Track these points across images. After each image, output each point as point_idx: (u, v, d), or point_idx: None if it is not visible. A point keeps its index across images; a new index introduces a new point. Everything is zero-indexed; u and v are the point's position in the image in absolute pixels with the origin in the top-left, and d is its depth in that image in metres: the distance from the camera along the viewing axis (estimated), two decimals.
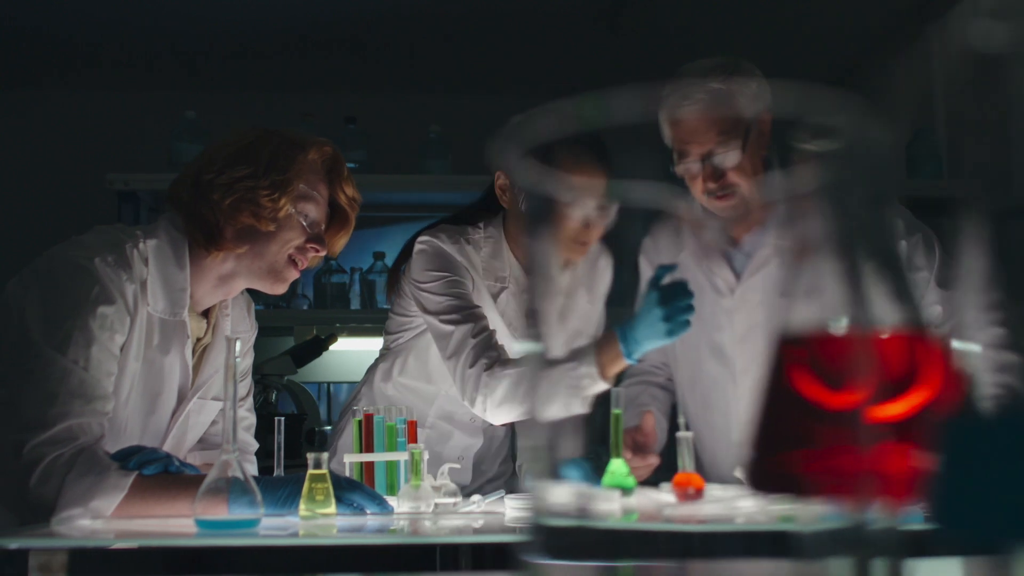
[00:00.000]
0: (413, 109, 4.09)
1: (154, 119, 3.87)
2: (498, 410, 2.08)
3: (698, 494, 1.70)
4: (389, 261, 3.87)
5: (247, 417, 2.12)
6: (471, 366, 2.09)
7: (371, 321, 3.62)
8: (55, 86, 4.10)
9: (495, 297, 2.26)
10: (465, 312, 2.15)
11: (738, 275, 2.25)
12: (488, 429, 2.43)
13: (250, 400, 2.16)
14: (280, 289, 1.95)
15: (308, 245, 1.90)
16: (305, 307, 3.73)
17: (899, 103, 5.33)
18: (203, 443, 2.04)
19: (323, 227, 1.95)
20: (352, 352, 3.67)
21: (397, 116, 4.04)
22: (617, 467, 1.81)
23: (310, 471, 1.60)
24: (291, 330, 3.55)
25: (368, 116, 3.82)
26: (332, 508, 1.59)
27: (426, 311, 2.21)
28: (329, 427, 3.40)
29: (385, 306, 3.75)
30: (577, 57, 4.28)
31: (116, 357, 1.74)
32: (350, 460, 1.93)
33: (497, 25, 3.88)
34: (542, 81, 4.45)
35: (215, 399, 2.00)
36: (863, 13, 4.69)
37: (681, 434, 1.73)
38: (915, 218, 2.25)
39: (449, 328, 2.15)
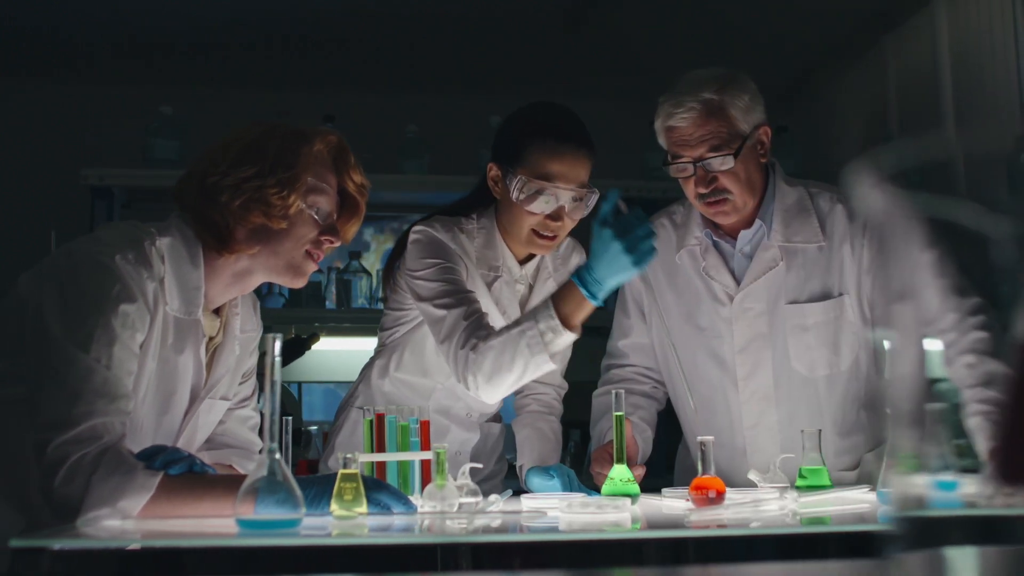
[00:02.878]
0: (391, 109, 4.08)
1: (129, 114, 3.82)
2: (489, 385, 2.08)
3: (719, 498, 1.73)
4: (365, 261, 3.87)
5: (252, 416, 2.11)
6: (462, 347, 2.10)
7: (348, 321, 3.61)
8: (29, 79, 4.02)
9: (489, 285, 2.28)
10: (458, 296, 2.17)
11: (737, 279, 2.29)
12: (484, 425, 2.45)
13: (255, 399, 2.15)
14: (300, 283, 1.94)
15: (322, 237, 1.88)
16: (280, 306, 3.70)
17: (854, 112, 5.45)
18: (210, 443, 2.02)
19: (335, 217, 1.93)
20: (328, 352, 3.65)
21: (374, 116, 4.03)
22: (619, 473, 1.83)
23: (340, 471, 1.60)
24: (269, 329, 3.51)
25: (345, 115, 3.81)
26: (364, 507, 1.59)
27: (420, 298, 2.22)
28: (315, 427, 3.38)
29: (359, 305, 3.75)
30: (555, 60, 4.30)
31: (136, 356, 1.72)
32: (364, 460, 1.93)
33: (478, 27, 3.89)
34: (519, 83, 4.47)
35: (223, 399, 1.99)
36: (820, 22, 4.78)
37: (702, 438, 1.77)
38: None
39: (442, 312, 2.16)
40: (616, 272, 1.97)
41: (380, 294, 3.84)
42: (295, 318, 3.59)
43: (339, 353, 3.66)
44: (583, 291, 1.99)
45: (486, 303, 2.25)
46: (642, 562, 1.45)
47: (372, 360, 2.50)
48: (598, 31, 4.26)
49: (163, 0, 3.48)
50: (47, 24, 3.63)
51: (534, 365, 2.02)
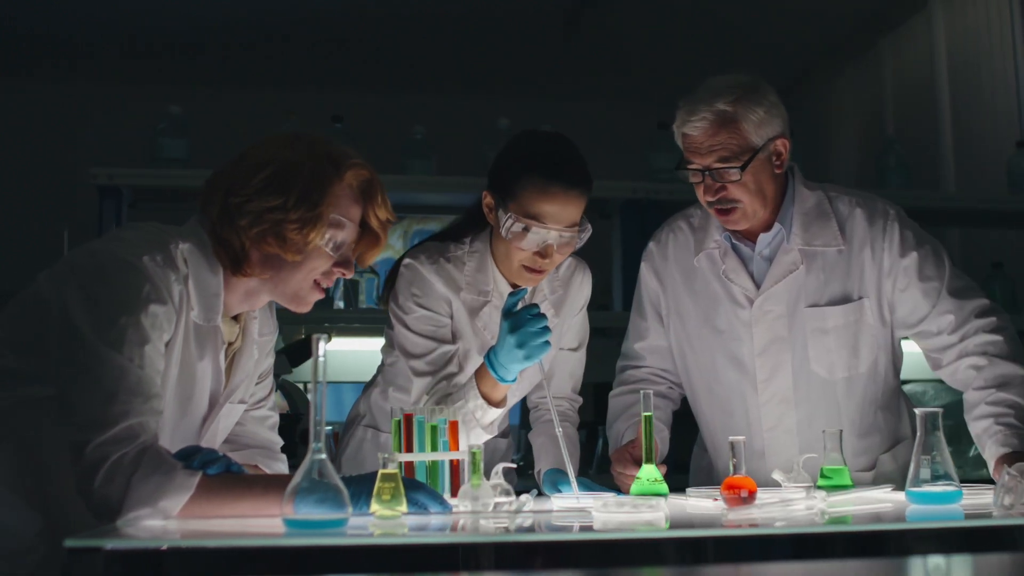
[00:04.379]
0: (396, 109, 4.09)
1: (138, 114, 3.82)
2: None
3: (752, 498, 1.74)
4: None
5: (271, 416, 2.12)
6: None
7: (358, 321, 3.62)
8: (39, 80, 4.02)
9: (477, 312, 2.29)
10: (431, 360, 2.23)
11: (757, 283, 2.31)
12: (489, 442, 2.46)
13: (272, 399, 2.16)
14: (303, 310, 1.92)
15: (335, 269, 1.87)
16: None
17: (851, 113, 5.49)
18: (232, 444, 2.02)
19: (352, 246, 1.91)
20: (336, 352, 3.65)
21: (380, 116, 4.04)
22: (648, 472, 1.84)
23: (380, 471, 1.61)
24: (280, 329, 3.52)
25: (351, 115, 3.82)
26: (404, 507, 1.60)
27: (403, 351, 2.28)
28: (328, 427, 3.38)
29: (366, 306, 3.76)
30: (559, 62, 4.33)
31: (163, 356, 1.72)
32: (400, 460, 1.94)
33: (482, 29, 3.91)
34: (524, 85, 4.50)
35: (240, 402, 1.99)
36: (818, 24, 4.82)
37: (733, 438, 1.79)
38: (922, 229, 2.33)
39: (414, 377, 2.25)
40: (513, 361, 2.06)
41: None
42: (304, 319, 3.60)
43: (346, 353, 3.67)
44: (493, 374, 2.09)
45: (468, 334, 2.28)
46: (679, 562, 1.46)
47: (374, 378, 2.54)
48: (599, 33, 4.28)
49: (171, 2, 3.48)
50: (56, 26, 3.64)
51: (474, 436, 2.15)
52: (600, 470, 3.70)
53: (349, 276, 1.92)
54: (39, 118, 4.07)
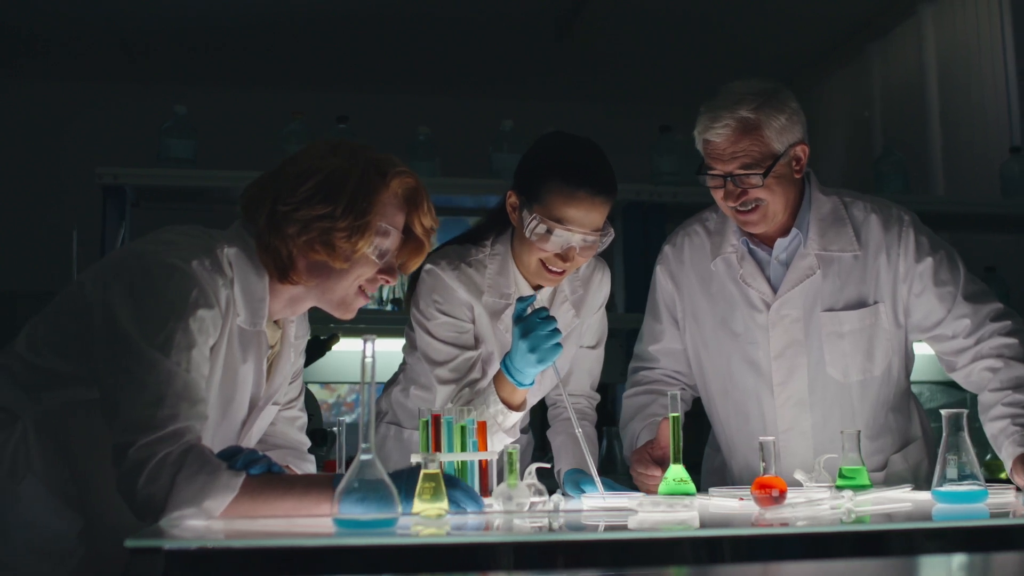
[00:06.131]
0: (402, 110, 4.10)
1: (144, 113, 3.81)
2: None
3: (782, 497, 1.77)
4: None
5: (300, 417, 2.13)
6: None
7: (364, 322, 3.62)
8: (42, 77, 4.01)
9: (499, 315, 2.30)
10: (454, 367, 2.25)
11: (774, 287, 2.34)
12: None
13: (301, 400, 2.17)
14: (347, 317, 1.93)
15: (379, 276, 1.88)
16: None
17: (840, 118, 5.54)
18: (262, 444, 2.03)
19: (396, 253, 1.92)
20: (341, 353, 3.66)
21: (386, 117, 4.05)
22: (675, 473, 1.86)
23: (423, 471, 1.63)
24: None
25: (357, 116, 3.83)
26: (446, 505, 1.62)
27: (427, 356, 2.29)
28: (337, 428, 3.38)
29: (371, 307, 3.77)
30: (563, 65, 4.35)
31: (208, 361, 1.73)
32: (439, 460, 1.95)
33: (489, 31, 3.93)
34: (529, 88, 4.51)
35: (275, 403, 2.00)
36: (806, 29, 4.86)
37: (763, 439, 1.81)
38: (936, 235, 2.37)
39: (438, 385, 2.26)
40: (527, 366, 2.08)
41: (390, 296, 3.87)
42: (310, 319, 3.60)
43: (352, 354, 3.67)
44: (511, 379, 2.12)
45: (490, 339, 2.30)
46: (719, 560, 1.49)
47: (395, 376, 2.55)
48: (598, 37, 4.31)
49: (178, 1, 3.48)
50: (61, 24, 3.63)
51: (497, 440, 2.16)
52: (607, 470, 3.71)
53: (393, 283, 1.94)
54: (44, 117, 4.06)
